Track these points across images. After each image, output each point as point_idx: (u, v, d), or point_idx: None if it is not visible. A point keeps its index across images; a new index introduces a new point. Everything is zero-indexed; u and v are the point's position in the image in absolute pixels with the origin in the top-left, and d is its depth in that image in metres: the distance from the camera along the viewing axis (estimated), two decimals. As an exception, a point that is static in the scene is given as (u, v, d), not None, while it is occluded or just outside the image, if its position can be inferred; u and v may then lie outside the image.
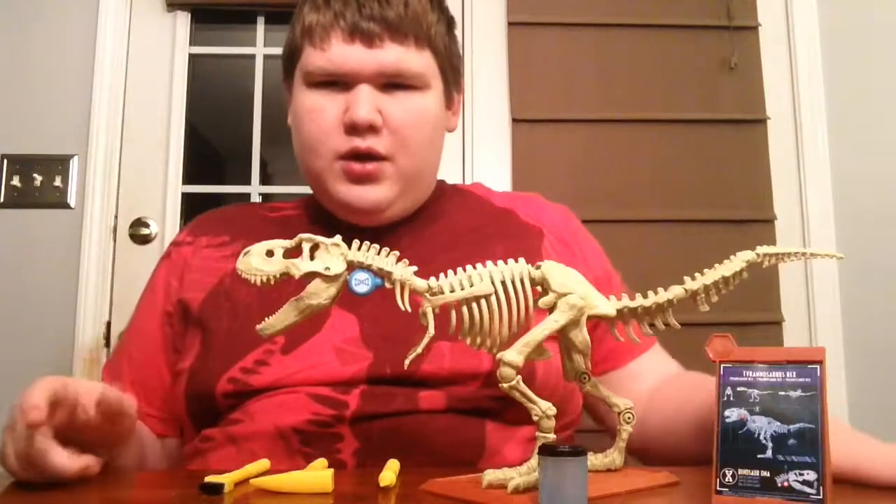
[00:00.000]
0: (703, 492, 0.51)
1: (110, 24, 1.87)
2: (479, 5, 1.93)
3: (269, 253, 0.57)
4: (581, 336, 0.58)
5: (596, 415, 0.90)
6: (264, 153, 1.97)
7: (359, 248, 0.58)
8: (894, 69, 1.92)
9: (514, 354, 0.55)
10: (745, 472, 0.49)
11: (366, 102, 0.83)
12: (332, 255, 0.57)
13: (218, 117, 2.43)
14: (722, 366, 0.52)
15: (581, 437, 0.90)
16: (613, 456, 0.61)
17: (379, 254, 0.58)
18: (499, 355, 0.55)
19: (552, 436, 0.55)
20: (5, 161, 1.82)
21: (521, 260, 0.59)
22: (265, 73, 1.98)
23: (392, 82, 0.85)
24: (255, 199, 1.95)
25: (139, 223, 1.83)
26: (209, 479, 0.56)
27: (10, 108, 1.84)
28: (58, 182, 1.82)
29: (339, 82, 0.85)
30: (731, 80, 1.90)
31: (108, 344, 1.77)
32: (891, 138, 1.89)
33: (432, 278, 0.58)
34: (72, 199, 1.82)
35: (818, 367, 0.49)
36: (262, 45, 1.99)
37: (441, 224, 0.92)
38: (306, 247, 0.58)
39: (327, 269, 0.57)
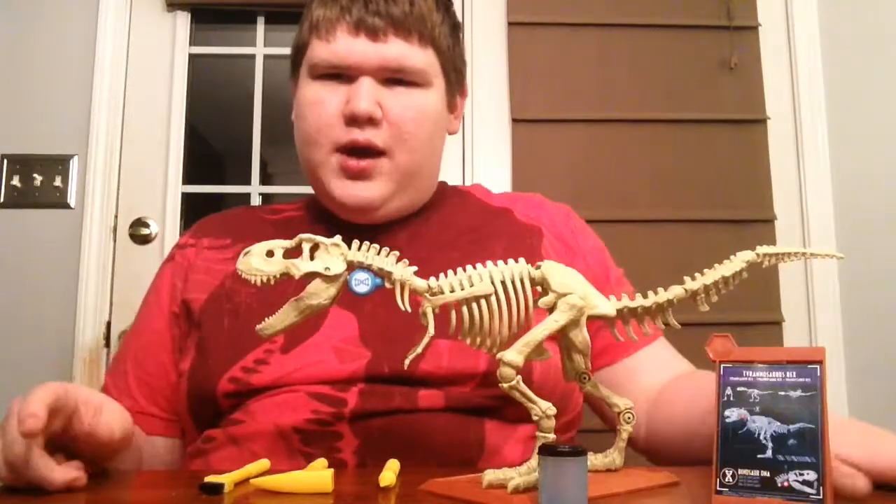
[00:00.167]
0: (703, 492, 0.51)
1: (110, 24, 1.87)
2: (479, 5, 1.93)
3: (270, 253, 0.57)
4: (581, 336, 0.58)
5: (602, 413, 0.89)
6: (264, 153, 1.97)
7: (359, 248, 0.58)
8: (894, 69, 1.91)
9: (514, 354, 0.55)
10: (745, 472, 0.49)
11: (367, 95, 0.84)
12: (332, 255, 0.57)
13: (218, 117, 2.43)
14: (722, 366, 0.52)
15: (581, 437, 0.90)
16: (613, 456, 0.61)
17: (379, 254, 0.58)
18: (499, 355, 0.55)
19: (552, 436, 0.55)
20: (5, 161, 1.82)
21: (521, 260, 0.59)
22: (265, 73, 1.98)
23: (394, 77, 0.86)
24: (255, 199, 1.95)
25: (139, 223, 1.83)
26: (209, 479, 0.56)
27: (10, 108, 1.84)
28: (58, 182, 1.82)
29: (342, 75, 0.86)
30: (731, 80, 1.90)
31: (108, 344, 1.77)
32: (891, 138, 1.89)
33: (432, 278, 0.58)
34: (72, 199, 1.82)
35: (818, 367, 0.49)
36: (262, 45, 1.99)
37: (440, 224, 0.92)
38: (306, 247, 0.58)
39: (327, 269, 0.57)
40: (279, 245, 0.58)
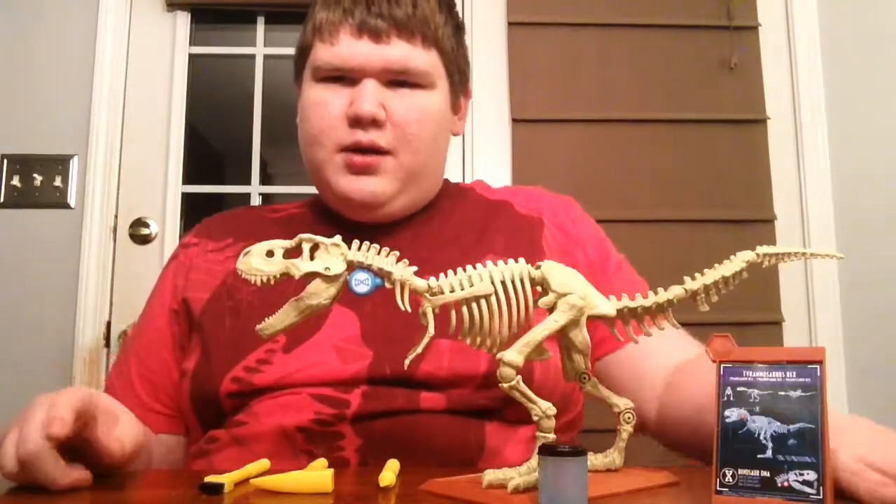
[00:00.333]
0: (703, 492, 0.51)
1: (110, 24, 1.87)
2: (479, 5, 1.93)
3: (269, 253, 0.57)
4: (581, 336, 0.58)
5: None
6: (264, 153, 1.97)
7: (359, 248, 0.58)
8: (894, 69, 1.92)
9: (514, 354, 0.55)
10: (745, 472, 0.49)
11: (370, 96, 0.84)
12: (332, 255, 0.57)
13: (218, 117, 2.43)
14: (722, 366, 0.52)
15: (581, 437, 0.90)
16: (613, 456, 0.61)
17: (379, 254, 0.58)
18: (499, 355, 0.55)
19: (552, 436, 0.55)
20: (5, 161, 1.82)
21: (521, 260, 0.59)
22: (265, 73, 1.98)
23: (397, 79, 0.86)
24: (255, 199, 1.95)
25: (139, 223, 1.83)
26: (209, 479, 0.56)
27: (10, 108, 1.84)
28: (58, 182, 1.82)
29: (345, 77, 0.86)
30: (731, 80, 1.90)
31: (108, 344, 1.77)
32: (891, 138, 1.89)
33: (432, 278, 0.58)
34: (72, 199, 1.82)
35: (818, 367, 0.49)
36: (262, 45, 1.99)
37: (441, 222, 0.92)
38: (306, 247, 0.58)
39: (327, 269, 0.57)
40: (279, 245, 0.58)
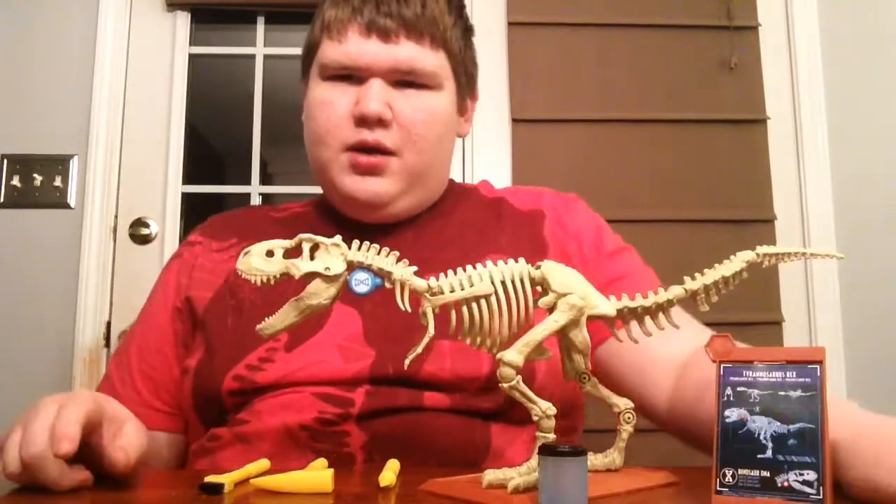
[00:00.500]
0: (703, 492, 0.51)
1: (110, 24, 1.87)
2: (479, 5, 1.93)
3: (270, 253, 0.57)
4: (581, 336, 0.58)
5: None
6: (264, 153, 1.97)
7: (359, 248, 0.58)
8: (894, 69, 1.92)
9: (514, 354, 0.55)
10: (745, 472, 0.49)
11: (377, 96, 0.83)
12: (332, 255, 0.57)
13: (218, 117, 2.43)
14: (722, 366, 0.52)
15: (581, 437, 0.90)
16: (613, 456, 0.61)
17: (379, 254, 0.58)
18: (499, 355, 0.55)
19: (552, 436, 0.55)
20: (5, 161, 1.82)
21: (522, 260, 0.59)
22: (265, 73, 1.98)
23: (405, 80, 0.86)
24: (255, 199, 1.95)
25: (139, 223, 1.83)
26: (209, 479, 0.56)
27: (10, 108, 1.84)
28: (58, 182, 1.82)
29: (352, 76, 0.86)
30: (731, 80, 1.90)
31: (108, 344, 1.77)
32: (891, 138, 1.89)
33: (432, 278, 0.58)
34: (72, 199, 1.82)
35: (818, 367, 0.49)
36: (262, 45, 1.99)
37: (444, 222, 0.92)
38: (306, 247, 0.58)
39: (327, 269, 0.57)
40: (279, 245, 0.58)
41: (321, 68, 0.88)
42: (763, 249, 0.61)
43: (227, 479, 0.57)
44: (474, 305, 0.58)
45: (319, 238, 0.58)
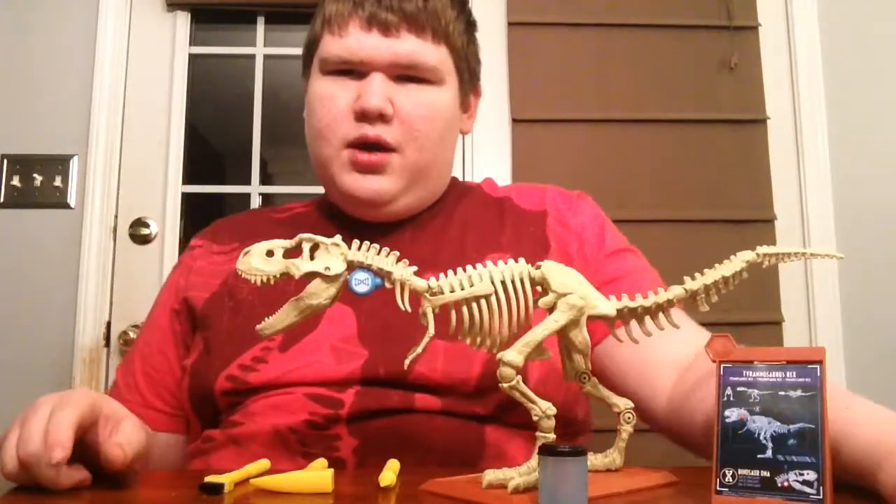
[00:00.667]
0: (703, 492, 0.51)
1: (110, 24, 1.87)
2: (479, 5, 1.93)
3: (269, 253, 0.57)
4: (581, 336, 0.58)
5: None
6: (264, 153, 1.97)
7: (359, 248, 0.58)
8: (894, 69, 1.92)
9: (514, 354, 0.55)
10: (745, 472, 0.49)
11: (377, 91, 0.83)
12: (332, 255, 0.57)
13: (218, 117, 2.43)
14: (722, 366, 0.52)
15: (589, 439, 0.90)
16: (613, 456, 0.61)
17: (379, 254, 0.58)
18: (499, 355, 0.55)
19: (552, 436, 0.55)
20: (5, 161, 1.82)
21: (522, 260, 0.59)
22: (265, 73, 1.98)
23: (406, 74, 0.85)
24: (255, 199, 1.95)
25: (139, 223, 1.83)
26: (209, 479, 0.56)
27: (10, 108, 1.84)
28: (58, 182, 1.82)
29: (353, 71, 0.85)
30: (731, 80, 1.90)
31: (108, 344, 1.77)
32: (891, 138, 1.89)
33: (432, 278, 0.58)
34: (72, 199, 1.82)
35: (818, 367, 0.49)
36: (262, 45, 1.99)
37: (445, 220, 0.91)
38: (306, 247, 0.58)
39: (327, 269, 0.57)
40: (279, 245, 0.58)
41: (322, 63, 0.87)
42: (763, 249, 0.61)
43: (227, 479, 0.57)
44: (474, 305, 0.58)
45: (319, 238, 0.58)
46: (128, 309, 1.78)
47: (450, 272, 0.59)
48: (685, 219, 1.83)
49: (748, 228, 1.83)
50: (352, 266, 0.58)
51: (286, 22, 2.02)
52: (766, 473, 0.48)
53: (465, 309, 0.58)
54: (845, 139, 1.89)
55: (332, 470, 0.58)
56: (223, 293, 0.87)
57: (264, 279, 0.57)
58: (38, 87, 1.85)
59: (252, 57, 1.99)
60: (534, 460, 0.54)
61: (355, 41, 0.84)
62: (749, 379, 0.51)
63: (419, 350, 0.58)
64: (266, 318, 0.59)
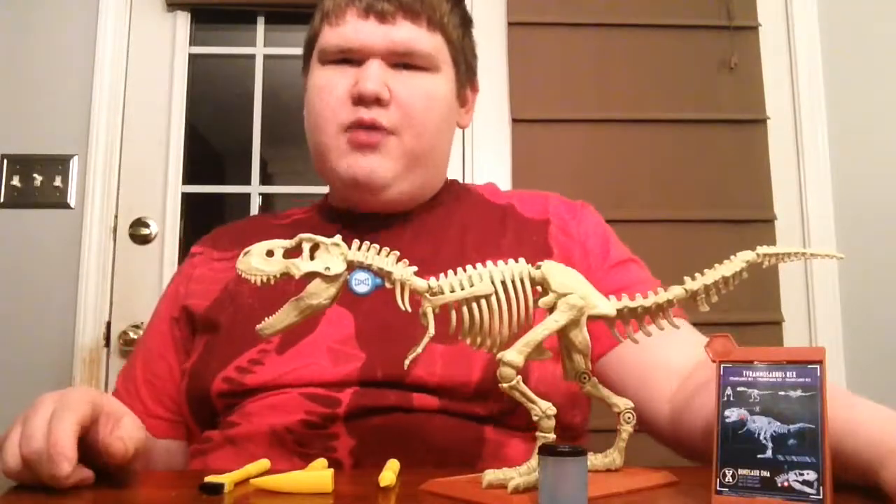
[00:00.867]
0: (703, 492, 0.51)
1: (110, 24, 1.87)
2: (479, 5, 1.93)
3: (269, 253, 0.57)
4: (581, 336, 0.58)
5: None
6: (264, 153, 1.97)
7: (359, 248, 0.58)
8: (894, 69, 1.92)
9: (514, 354, 0.55)
10: (745, 472, 0.49)
11: (374, 75, 0.84)
12: (332, 255, 0.57)
13: (218, 117, 2.43)
14: (722, 366, 0.52)
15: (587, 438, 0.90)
16: (613, 456, 0.61)
17: (379, 254, 0.58)
18: (499, 355, 0.55)
19: (552, 436, 0.55)
20: (5, 161, 1.82)
21: (522, 260, 0.59)
22: (265, 73, 1.98)
23: (402, 62, 0.86)
24: (255, 199, 1.95)
25: (139, 223, 1.83)
26: (209, 479, 0.56)
27: (10, 108, 1.84)
28: (58, 182, 1.82)
29: (351, 61, 0.86)
30: (731, 80, 1.90)
31: (108, 344, 1.77)
32: (891, 138, 1.89)
33: (432, 278, 0.58)
34: (72, 199, 1.82)
35: (818, 367, 0.49)
36: (262, 45, 1.99)
37: (446, 222, 0.91)
38: (306, 247, 0.58)
39: (327, 269, 0.57)
40: (279, 245, 0.58)
41: (320, 53, 0.88)
42: (763, 249, 0.61)
43: (227, 479, 0.57)
44: (474, 305, 0.58)
45: (319, 238, 0.58)
46: (128, 309, 1.78)
47: (450, 272, 0.58)
48: (685, 219, 1.83)
49: (748, 228, 1.83)
50: (352, 266, 0.58)
51: (286, 22, 2.02)
52: (766, 473, 0.48)
53: (465, 309, 0.58)
54: (845, 139, 1.89)
55: (332, 470, 0.58)
56: (224, 298, 0.87)
57: (264, 279, 0.57)
58: (38, 87, 1.85)
59: (252, 57, 1.99)
60: (534, 460, 0.54)
61: (352, 29, 0.85)
62: (749, 379, 0.51)
63: (419, 350, 0.58)
64: (266, 319, 0.59)
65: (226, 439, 0.77)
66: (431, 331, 0.57)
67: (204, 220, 1.94)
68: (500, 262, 0.59)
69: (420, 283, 0.57)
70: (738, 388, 0.51)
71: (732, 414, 0.50)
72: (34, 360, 1.73)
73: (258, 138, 1.95)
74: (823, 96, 1.91)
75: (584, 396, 0.71)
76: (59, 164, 1.82)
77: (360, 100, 0.84)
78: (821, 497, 0.46)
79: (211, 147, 2.64)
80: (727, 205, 1.85)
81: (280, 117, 2.04)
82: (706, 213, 1.84)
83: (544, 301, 0.57)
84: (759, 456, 0.48)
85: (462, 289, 0.58)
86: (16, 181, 1.81)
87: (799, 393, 0.49)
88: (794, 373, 0.49)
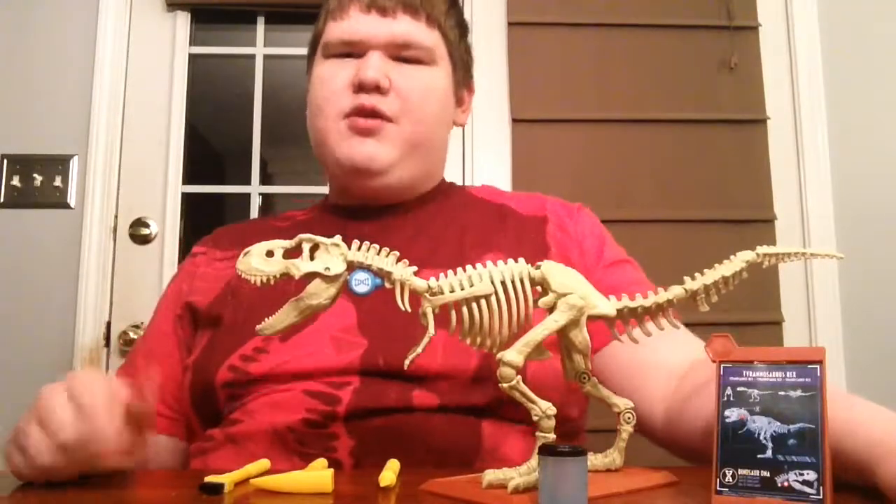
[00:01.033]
0: (703, 492, 0.51)
1: (110, 24, 1.87)
2: (479, 5, 1.93)
3: (269, 253, 0.58)
4: (581, 336, 0.58)
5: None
6: (264, 153, 1.97)
7: (359, 248, 0.58)
8: (894, 69, 1.92)
9: (514, 354, 0.55)
10: (745, 472, 0.49)
11: (375, 64, 0.87)
12: (332, 255, 0.58)
13: (218, 117, 2.43)
14: (722, 366, 0.52)
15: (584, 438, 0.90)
16: (613, 456, 0.61)
17: (379, 254, 0.58)
18: (499, 355, 0.55)
19: (552, 436, 0.55)
20: (5, 161, 1.82)
21: (522, 260, 0.59)
22: (265, 73, 1.98)
23: (402, 55, 0.90)
24: (255, 199, 1.95)
25: (139, 223, 1.83)
26: (209, 479, 0.56)
27: (10, 108, 1.84)
28: (58, 182, 1.82)
29: (353, 54, 0.90)
30: (731, 80, 1.90)
31: (108, 344, 1.77)
32: (891, 138, 1.89)
33: (432, 278, 0.58)
34: (72, 199, 1.82)
35: (818, 367, 0.49)
36: (262, 45, 1.99)
37: (446, 221, 0.92)
38: (306, 247, 0.58)
39: (327, 269, 0.57)
40: (279, 245, 0.58)
41: (324, 48, 0.92)
42: (763, 249, 0.61)
43: (227, 479, 0.57)
44: (474, 305, 0.58)
45: (319, 238, 0.58)
46: (128, 309, 1.78)
47: (449, 272, 0.59)
48: (685, 219, 1.83)
49: (748, 228, 1.83)
50: (352, 266, 0.58)
51: (286, 22, 2.02)
52: (766, 473, 0.48)
53: (465, 309, 0.58)
54: (845, 139, 1.89)
55: (332, 470, 0.58)
56: (226, 294, 0.88)
57: (264, 279, 0.57)
58: (38, 87, 1.85)
59: (252, 57, 1.99)
60: (534, 460, 0.54)
61: (355, 22, 0.89)
62: (749, 379, 0.51)
63: (419, 350, 0.58)
64: (266, 319, 0.59)
65: (227, 438, 0.78)
66: (431, 330, 0.57)
67: (204, 220, 1.95)
68: (500, 262, 0.59)
69: (420, 284, 0.58)
70: (738, 388, 0.51)
71: (732, 414, 0.50)
72: (34, 360, 1.73)
73: (258, 138, 1.95)
74: (823, 96, 1.91)
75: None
76: (59, 164, 1.82)
77: (360, 87, 0.87)
78: (821, 497, 0.46)
79: (211, 147, 2.64)
80: (727, 205, 1.85)
81: (280, 117, 2.04)
82: (706, 213, 1.84)
83: (544, 301, 0.57)
84: (759, 456, 0.48)
85: (462, 289, 0.58)
86: (16, 181, 1.81)
87: (799, 393, 0.49)
88: (794, 373, 0.49)
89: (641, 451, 0.73)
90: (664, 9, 1.93)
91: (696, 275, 0.61)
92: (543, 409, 0.55)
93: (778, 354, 0.51)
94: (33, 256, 1.79)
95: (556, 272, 0.58)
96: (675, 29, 1.92)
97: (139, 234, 1.82)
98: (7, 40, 1.87)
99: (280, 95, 2.05)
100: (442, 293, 0.57)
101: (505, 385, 0.55)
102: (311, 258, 0.58)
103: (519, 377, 0.55)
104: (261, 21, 2.00)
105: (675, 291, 0.60)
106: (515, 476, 0.54)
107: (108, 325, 1.78)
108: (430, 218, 0.93)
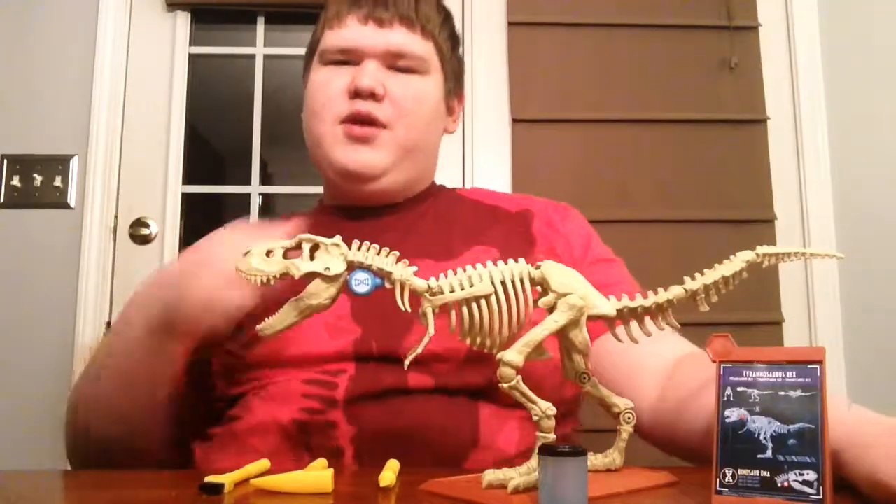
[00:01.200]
0: (703, 492, 0.51)
1: (110, 24, 1.87)
2: (479, 5, 1.93)
3: (269, 253, 0.58)
4: (581, 336, 0.58)
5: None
6: (264, 153, 1.97)
7: (359, 248, 0.58)
8: (894, 69, 1.92)
9: (514, 354, 0.55)
10: (745, 472, 0.49)
11: (371, 72, 0.90)
12: (332, 255, 0.58)
13: (218, 117, 2.43)
14: (722, 366, 0.52)
15: (581, 437, 0.90)
16: (613, 456, 0.61)
17: (379, 254, 0.58)
18: (499, 355, 0.55)
19: (552, 436, 0.55)
20: (5, 161, 1.82)
21: (521, 260, 0.59)
22: (265, 73, 1.98)
23: (397, 65, 0.92)
24: (255, 199, 1.95)
25: (139, 223, 1.83)
26: (209, 479, 0.56)
27: (10, 108, 1.84)
28: (58, 182, 1.82)
29: (349, 61, 0.92)
30: (731, 80, 1.90)
31: (108, 344, 1.77)
32: (891, 138, 1.89)
33: (432, 278, 0.58)
34: (72, 199, 1.82)
35: (818, 367, 0.49)
36: (262, 45, 1.99)
37: (437, 220, 0.95)
38: (306, 247, 0.58)
39: (327, 269, 0.57)
40: (279, 245, 0.58)
41: (321, 55, 0.94)
42: (763, 249, 0.61)
43: (227, 479, 0.57)
44: (474, 305, 0.58)
45: (319, 238, 0.58)
46: (128, 309, 1.78)
47: (449, 272, 0.59)
48: (685, 219, 1.83)
49: (748, 228, 1.83)
50: (352, 266, 0.58)
51: (286, 22, 2.02)
52: (766, 473, 0.48)
53: (464, 309, 0.58)
54: (845, 139, 1.89)
55: (331, 470, 0.58)
56: None
57: (264, 279, 0.57)
58: (38, 87, 1.85)
59: (252, 57, 1.99)
60: (534, 460, 0.54)
61: (352, 32, 0.92)
62: (749, 379, 0.51)
63: (419, 350, 0.58)
64: (266, 319, 0.59)
65: (229, 434, 0.79)
66: (431, 331, 0.57)
67: (204, 221, 1.94)
68: (500, 262, 0.59)
69: (420, 284, 0.58)
70: (738, 389, 0.51)
71: (732, 414, 0.50)
72: (34, 360, 1.73)
73: (258, 138, 1.95)
74: (823, 96, 1.91)
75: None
76: (59, 164, 1.82)
77: (356, 94, 0.90)
78: (821, 497, 0.46)
79: (211, 147, 2.64)
80: (727, 205, 1.85)
81: (280, 117, 2.04)
82: (706, 213, 1.84)
83: (544, 301, 0.57)
84: (759, 456, 0.48)
85: (462, 289, 0.58)
86: (16, 181, 1.81)
87: (799, 393, 0.49)
88: (794, 373, 0.49)
89: (641, 451, 0.74)
90: (664, 9, 1.93)
91: (696, 275, 0.61)
92: (543, 409, 0.55)
93: (778, 354, 0.51)
94: (33, 256, 1.79)
95: (556, 272, 0.58)
96: (675, 29, 1.92)
97: (139, 234, 1.82)
98: (7, 40, 1.87)
99: (280, 95, 2.05)
100: (442, 293, 0.57)
101: (505, 385, 0.55)
102: (311, 258, 0.58)
103: (519, 377, 0.55)
104: (261, 21, 2.00)
105: (675, 291, 0.60)
106: (515, 476, 0.54)
107: (108, 325, 1.78)
108: (419, 216, 0.95)
